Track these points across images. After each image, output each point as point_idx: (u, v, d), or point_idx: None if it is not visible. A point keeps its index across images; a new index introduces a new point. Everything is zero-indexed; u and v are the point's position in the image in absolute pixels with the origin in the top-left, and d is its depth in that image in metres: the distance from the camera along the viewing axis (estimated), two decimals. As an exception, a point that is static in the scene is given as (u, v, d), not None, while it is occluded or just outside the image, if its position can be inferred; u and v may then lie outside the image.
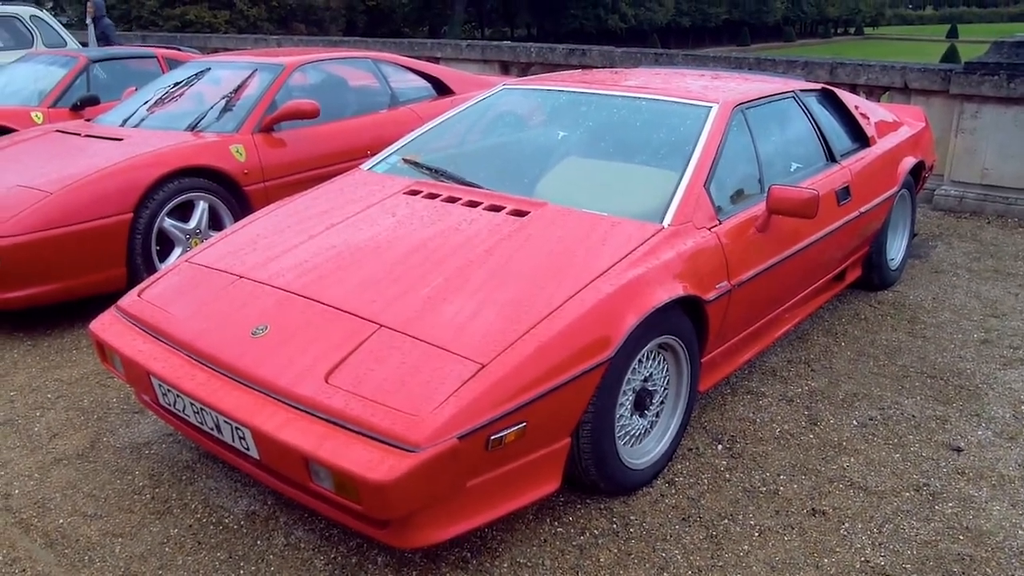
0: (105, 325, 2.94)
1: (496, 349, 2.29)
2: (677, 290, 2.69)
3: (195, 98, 5.33)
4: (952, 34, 71.49)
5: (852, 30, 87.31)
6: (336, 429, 2.18)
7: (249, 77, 5.27)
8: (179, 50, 7.89)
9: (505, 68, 9.68)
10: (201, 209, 4.65)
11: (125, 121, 5.20)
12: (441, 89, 6.25)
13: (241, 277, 2.88)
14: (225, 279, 2.90)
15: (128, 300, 3.02)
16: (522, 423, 2.26)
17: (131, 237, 4.33)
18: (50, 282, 4.13)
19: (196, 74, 5.56)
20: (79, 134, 5.01)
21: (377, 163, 3.77)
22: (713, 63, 7.65)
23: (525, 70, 9.40)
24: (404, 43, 11.30)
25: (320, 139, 5.23)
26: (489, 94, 4.06)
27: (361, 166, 3.79)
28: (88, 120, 5.64)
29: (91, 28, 10.30)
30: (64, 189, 4.15)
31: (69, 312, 4.42)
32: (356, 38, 14.82)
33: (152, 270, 4.40)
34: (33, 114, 6.54)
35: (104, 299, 4.22)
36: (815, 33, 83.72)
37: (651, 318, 2.57)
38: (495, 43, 10.19)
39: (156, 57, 7.48)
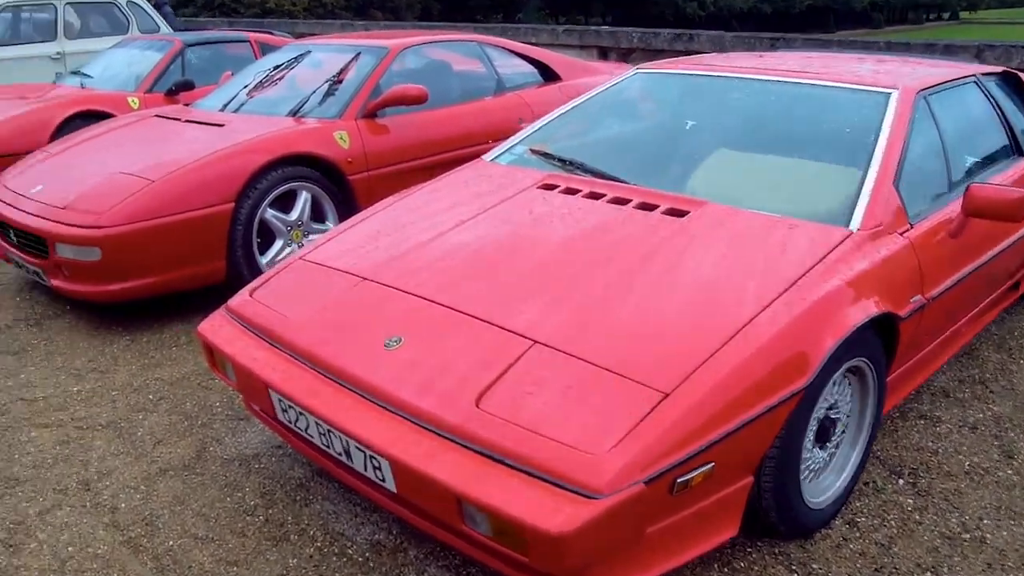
0: (215, 328, 2.68)
1: (678, 375, 1.94)
2: (872, 306, 2.30)
3: (295, 82, 5.09)
4: (1058, 15, 67.93)
5: (946, 15, 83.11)
6: (493, 465, 1.87)
7: (352, 61, 4.99)
8: (272, 34, 7.72)
9: (603, 54, 9.26)
10: (303, 199, 4.39)
11: (225, 106, 4.99)
12: (547, 75, 5.89)
13: (365, 279, 2.58)
14: (347, 280, 2.61)
15: (239, 300, 2.75)
16: (710, 463, 1.91)
17: (232, 228, 4.09)
18: (150, 275, 3.92)
19: (295, 58, 5.32)
20: (179, 119, 4.81)
21: (501, 153, 3.44)
22: (838, 47, 7.10)
23: (625, 56, 8.98)
24: (497, 28, 10.97)
25: (425, 126, 4.93)
26: (620, 79, 3.69)
27: (483, 157, 3.47)
28: (186, 105, 5.46)
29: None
30: (166, 177, 3.93)
31: (164, 306, 4.21)
32: (446, 23, 14.56)
33: (252, 263, 4.18)
34: (130, 99, 6.43)
35: (201, 294, 4.05)
36: (905, 19, 79.93)
37: (848, 339, 2.19)
38: (594, 28, 9.79)
39: (249, 41, 7.31)
